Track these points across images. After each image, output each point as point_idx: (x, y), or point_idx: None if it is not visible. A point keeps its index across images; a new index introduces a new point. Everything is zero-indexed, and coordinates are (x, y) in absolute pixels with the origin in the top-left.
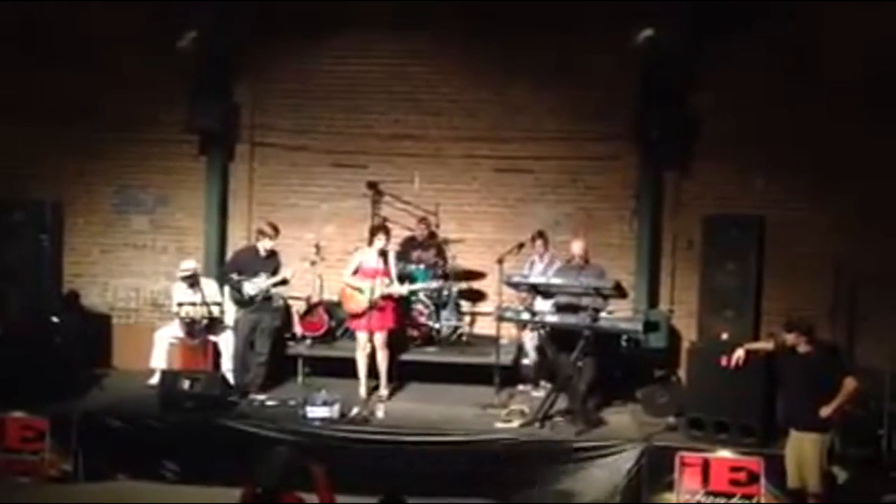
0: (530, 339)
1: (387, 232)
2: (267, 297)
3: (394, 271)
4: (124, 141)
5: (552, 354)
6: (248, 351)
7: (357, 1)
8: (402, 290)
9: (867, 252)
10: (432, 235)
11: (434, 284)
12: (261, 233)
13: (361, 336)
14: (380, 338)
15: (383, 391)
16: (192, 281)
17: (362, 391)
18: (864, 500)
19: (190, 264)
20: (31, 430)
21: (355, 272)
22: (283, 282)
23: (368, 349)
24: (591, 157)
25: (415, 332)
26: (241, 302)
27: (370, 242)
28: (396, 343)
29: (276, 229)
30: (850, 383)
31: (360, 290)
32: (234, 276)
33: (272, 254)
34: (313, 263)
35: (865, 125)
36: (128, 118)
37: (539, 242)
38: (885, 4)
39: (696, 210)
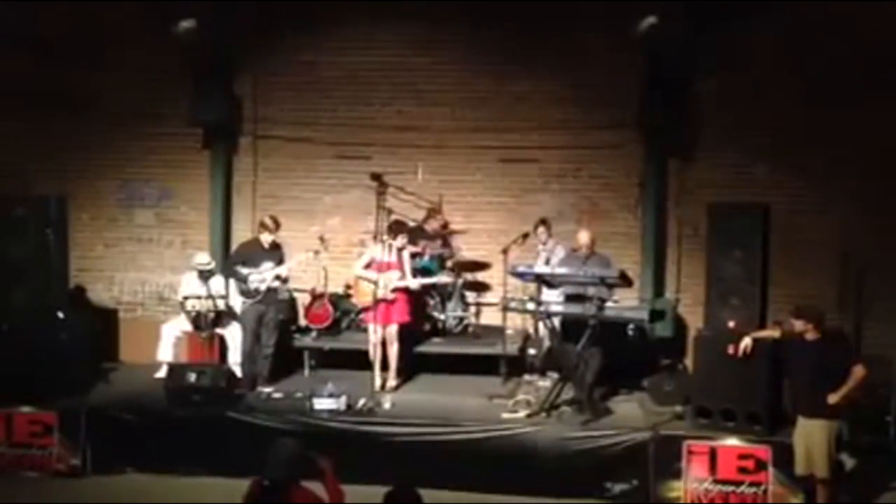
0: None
1: (407, 230)
2: (272, 289)
3: (408, 267)
4: (128, 135)
5: (558, 344)
6: (255, 343)
7: None
8: (412, 283)
9: (874, 238)
10: (445, 226)
11: (443, 280)
12: (262, 226)
13: (372, 328)
14: (392, 331)
15: (392, 383)
16: (207, 275)
17: (375, 383)
18: (872, 486)
19: (205, 258)
20: (40, 424)
21: (368, 266)
22: (281, 279)
23: (377, 342)
24: (595, 146)
25: (427, 325)
26: (247, 293)
27: (392, 238)
28: (410, 336)
29: (277, 223)
30: (858, 370)
31: (372, 282)
32: (240, 269)
33: (276, 246)
34: (316, 253)
35: (871, 111)
36: (131, 112)
37: (542, 229)
38: None
39: (701, 198)
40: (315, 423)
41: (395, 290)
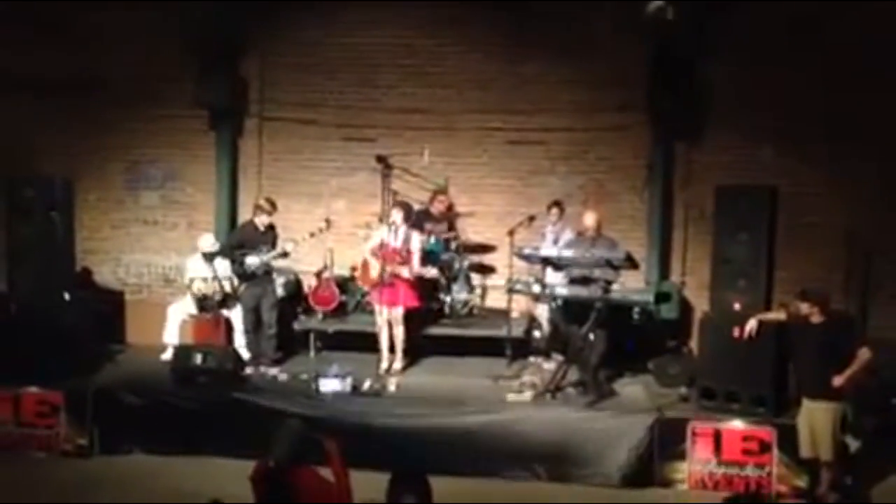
0: (544, 311)
1: (402, 208)
2: (268, 271)
3: (416, 255)
4: (134, 117)
5: (563, 326)
6: (256, 324)
7: None
8: (404, 273)
9: (880, 221)
10: (450, 208)
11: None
12: (258, 208)
13: (378, 310)
14: (395, 313)
15: (397, 365)
16: (212, 257)
17: (382, 365)
18: (877, 469)
19: (211, 240)
20: (46, 404)
21: (378, 247)
22: (284, 254)
23: (385, 323)
24: (602, 128)
25: (434, 305)
26: (243, 276)
27: (389, 218)
28: (416, 318)
29: (273, 205)
30: (864, 353)
31: (370, 264)
32: (236, 251)
33: (270, 228)
34: (312, 235)
35: (879, 94)
36: (137, 94)
37: (555, 211)
38: None
39: (708, 180)
40: (321, 404)
41: (393, 275)
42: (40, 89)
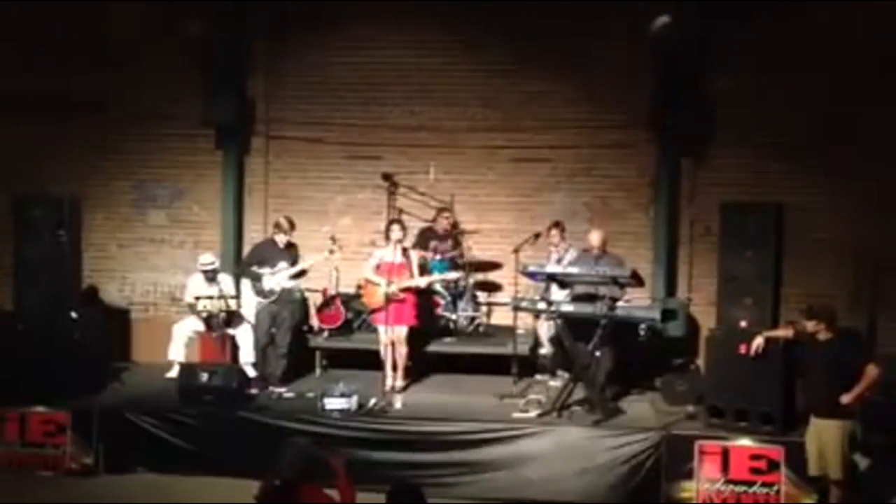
0: (546, 330)
1: (402, 225)
2: (287, 289)
3: (415, 267)
4: (141, 136)
5: (569, 344)
6: (269, 343)
7: None
8: (419, 282)
9: (888, 237)
10: (454, 225)
11: (451, 276)
12: (277, 226)
13: (382, 330)
14: (399, 332)
15: (398, 384)
16: (212, 275)
17: (386, 383)
18: (886, 487)
19: (209, 258)
20: (53, 424)
21: (377, 268)
22: (302, 272)
23: (388, 342)
24: (607, 145)
25: (440, 322)
26: (262, 294)
27: (386, 236)
28: (419, 337)
29: (291, 224)
30: (871, 370)
31: (377, 284)
32: (255, 269)
33: (291, 245)
34: (332, 252)
35: (885, 110)
36: (144, 113)
37: (554, 232)
38: None
39: (713, 197)
40: (327, 422)
41: (403, 289)
42: (47, 109)
